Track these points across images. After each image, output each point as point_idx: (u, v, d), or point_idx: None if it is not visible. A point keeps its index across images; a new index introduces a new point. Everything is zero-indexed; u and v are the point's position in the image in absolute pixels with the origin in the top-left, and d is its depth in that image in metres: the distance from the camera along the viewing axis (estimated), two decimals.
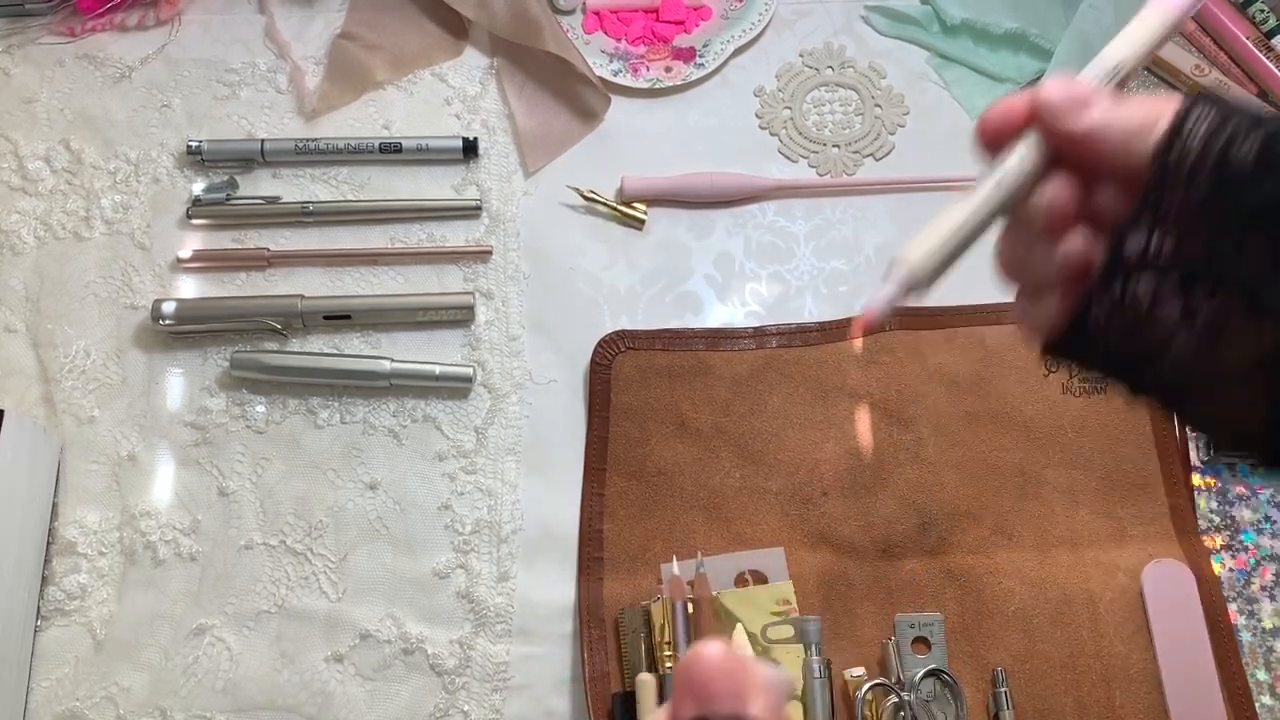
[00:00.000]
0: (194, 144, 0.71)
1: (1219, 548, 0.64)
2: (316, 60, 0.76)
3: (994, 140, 0.35)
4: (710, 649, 0.30)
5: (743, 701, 0.29)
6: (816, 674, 0.58)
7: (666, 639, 0.58)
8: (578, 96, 0.74)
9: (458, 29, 0.77)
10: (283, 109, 0.74)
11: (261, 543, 0.63)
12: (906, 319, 0.68)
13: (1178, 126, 0.31)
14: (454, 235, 0.71)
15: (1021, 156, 0.34)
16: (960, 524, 0.63)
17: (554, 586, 0.63)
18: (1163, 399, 0.34)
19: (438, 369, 0.66)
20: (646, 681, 0.57)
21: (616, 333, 0.68)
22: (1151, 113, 0.32)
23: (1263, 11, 0.78)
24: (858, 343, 0.68)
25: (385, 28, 0.76)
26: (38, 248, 0.69)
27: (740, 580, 0.61)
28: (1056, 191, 0.34)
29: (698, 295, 0.70)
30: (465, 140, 0.72)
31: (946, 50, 0.77)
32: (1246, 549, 0.64)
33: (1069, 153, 0.33)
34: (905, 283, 0.34)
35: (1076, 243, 0.34)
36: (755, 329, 0.68)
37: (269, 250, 0.69)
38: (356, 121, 0.74)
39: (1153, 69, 0.78)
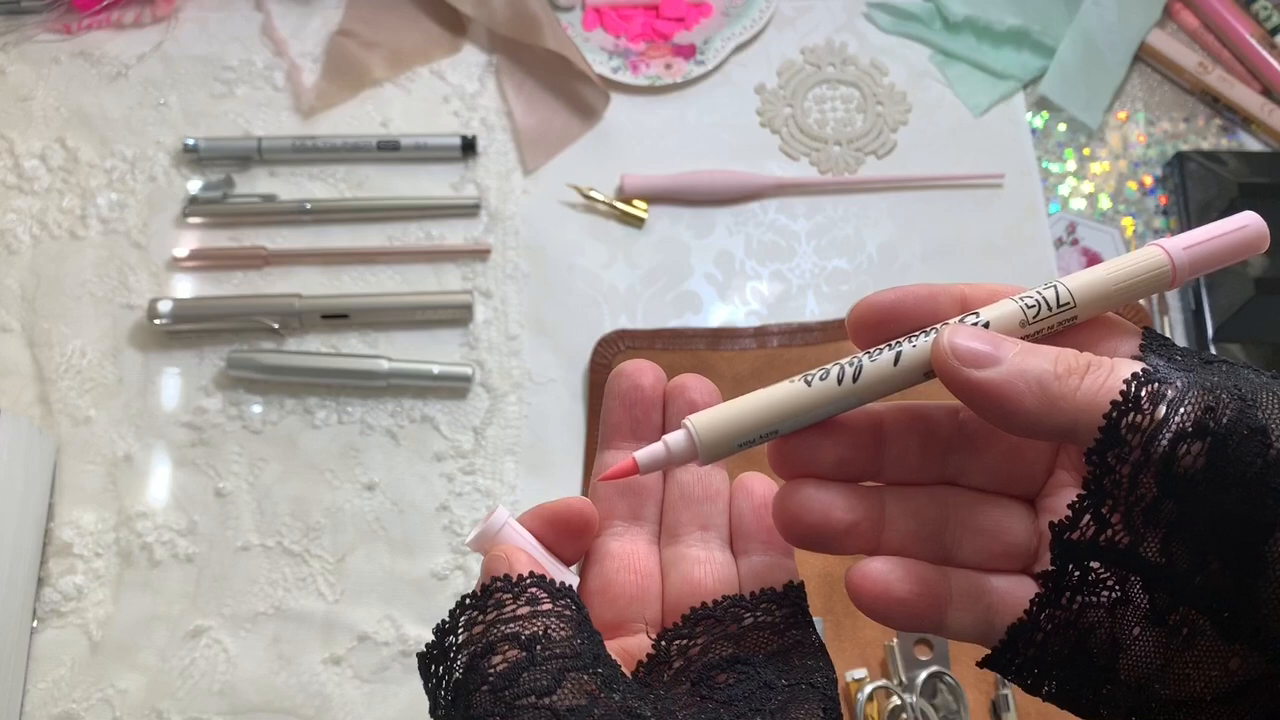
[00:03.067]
0: (190, 142, 0.71)
1: None
2: (314, 57, 0.75)
3: (873, 324, 0.30)
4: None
5: None
6: None
7: None
8: (577, 94, 0.74)
9: (456, 26, 0.76)
10: (280, 107, 0.74)
11: (258, 544, 0.63)
12: None
13: (1114, 424, 0.26)
14: (452, 234, 0.71)
15: (890, 376, 0.29)
16: None
17: None
18: None
19: (436, 369, 0.66)
20: None
21: (616, 332, 0.67)
22: (1072, 366, 0.27)
23: (1266, 9, 0.77)
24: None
25: (383, 25, 0.76)
26: (33, 246, 0.69)
27: None
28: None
29: (698, 294, 0.70)
30: (464, 138, 0.72)
31: (949, 47, 0.77)
32: None
33: (976, 407, 0.28)
34: (683, 454, 0.30)
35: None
36: (756, 328, 0.68)
37: (266, 249, 0.69)
38: (354, 119, 0.73)
39: (1155, 67, 0.77)
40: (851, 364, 0.29)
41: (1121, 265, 0.30)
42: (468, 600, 0.31)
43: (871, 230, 0.72)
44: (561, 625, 0.29)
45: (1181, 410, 0.25)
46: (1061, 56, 0.76)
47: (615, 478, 0.30)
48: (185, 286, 0.69)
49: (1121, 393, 0.26)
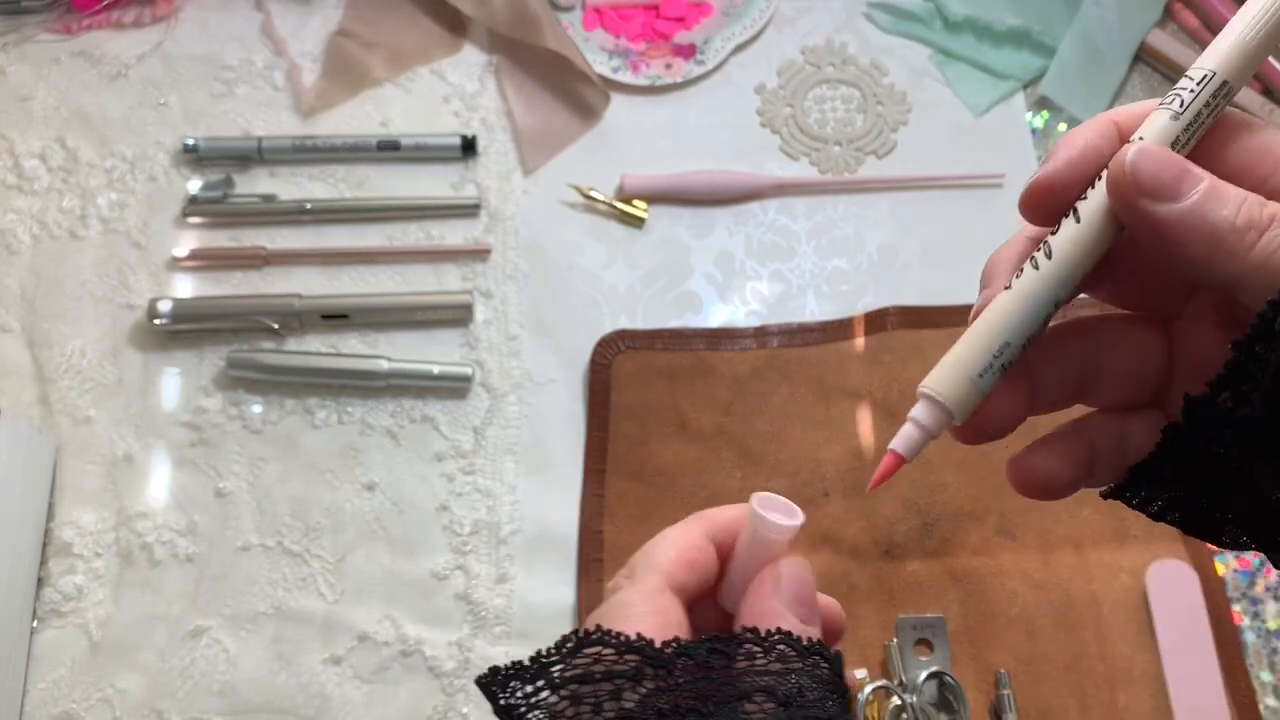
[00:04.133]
0: (190, 142, 0.71)
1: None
2: (314, 57, 0.75)
3: (1046, 202, 0.28)
4: (804, 561, 0.31)
5: (813, 620, 0.30)
6: None
7: None
8: (577, 94, 0.74)
9: (456, 26, 0.76)
10: (280, 106, 0.74)
11: (258, 544, 0.63)
12: (908, 318, 0.67)
13: (1268, 320, 0.25)
14: (452, 234, 0.71)
15: (1079, 235, 0.27)
16: (963, 525, 0.63)
17: (553, 588, 0.62)
18: (1251, 535, 0.29)
19: (436, 369, 0.66)
20: None
21: (616, 332, 0.67)
22: (1253, 219, 0.25)
23: None
24: (859, 342, 0.67)
25: (383, 25, 0.76)
26: (33, 246, 0.69)
27: None
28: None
29: (698, 294, 0.70)
30: (464, 138, 0.72)
31: (949, 47, 0.77)
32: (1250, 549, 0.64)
33: (1140, 237, 0.27)
34: (936, 419, 0.29)
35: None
36: (756, 328, 0.68)
37: (266, 249, 0.69)
38: (354, 119, 0.73)
39: (1156, 67, 0.77)
40: (1041, 247, 0.28)
41: (1249, 12, 0.27)
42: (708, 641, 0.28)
43: (871, 230, 0.72)
44: (812, 685, 0.28)
45: None
46: (1062, 56, 0.76)
47: (883, 479, 0.30)
48: (185, 286, 0.69)
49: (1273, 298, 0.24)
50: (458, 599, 0.62)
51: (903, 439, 0.29)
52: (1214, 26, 0.78)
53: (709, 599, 0.33)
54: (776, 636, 0.28)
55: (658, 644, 0.28)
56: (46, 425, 0.64)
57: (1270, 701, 0.60)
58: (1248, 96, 0.75)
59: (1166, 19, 0.79)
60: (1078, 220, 0.28)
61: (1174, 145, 0.27)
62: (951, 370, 0.28)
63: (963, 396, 0.28)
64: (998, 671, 0.59)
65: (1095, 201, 0.27)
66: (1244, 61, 0.27)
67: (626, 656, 0.27)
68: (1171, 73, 0.77)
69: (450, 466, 0.65)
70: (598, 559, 0.62)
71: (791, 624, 0.29)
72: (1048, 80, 0.76)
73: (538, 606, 0.62)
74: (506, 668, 0.28)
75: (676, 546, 0.31)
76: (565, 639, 0.28)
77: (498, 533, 0.63)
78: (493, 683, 0.28)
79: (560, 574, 0.62)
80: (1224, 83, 0.27)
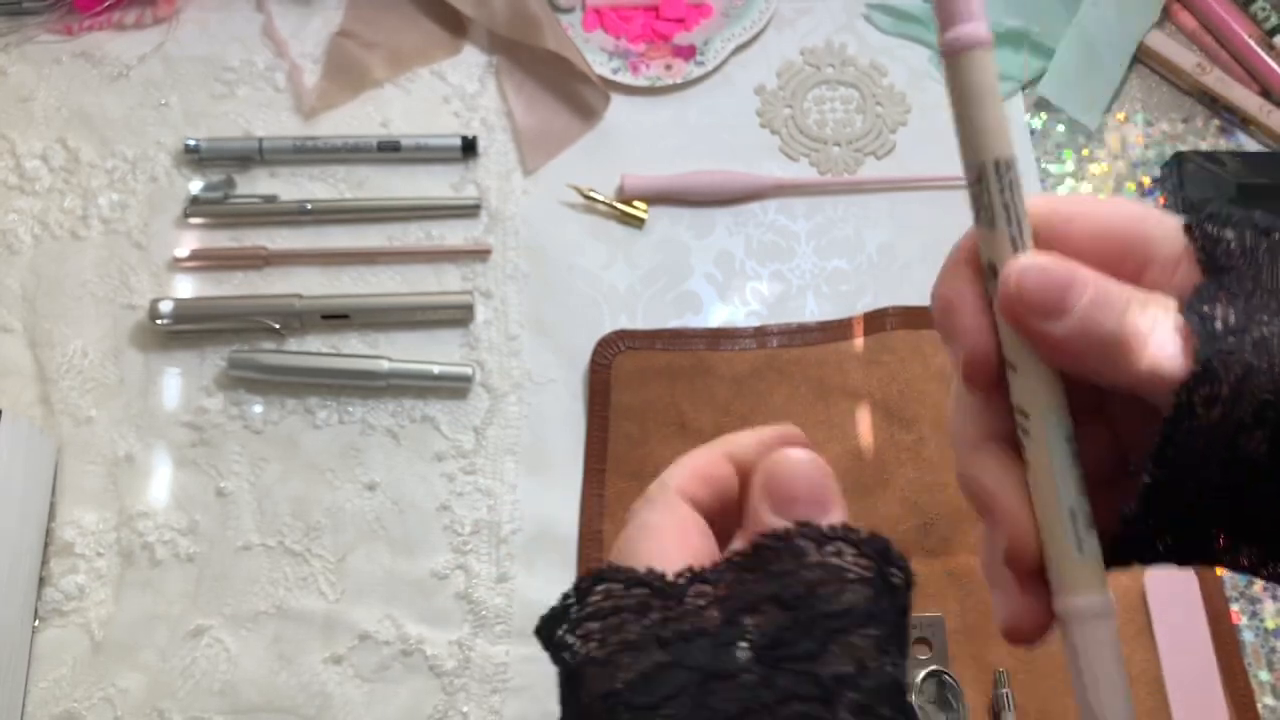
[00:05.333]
0: (191, 142, 0.71)
1: None
2: (314, 58, 0.75)
3: (982, 375, 0.28)
4: (796, 453, 0.28)
5: (825, 509, 0.27)
6: None
7: None
8: (577, 94, 0.74)
9: (456, 26, 0.77)
10: (280, 107, 0.74)
11: (259, 543, 0.63)
12: (908, 318, 0.67)
13: (1186, 400, 0.25)
14: (452, 234, 0.71)
15: (1028, 381, 0.27)
16: (962, 524, 0.63)
17: (553, 587, 0.62)
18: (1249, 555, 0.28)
19: (436, 369, 0.66)
20: None
21: (616, 332, 0.67)
22: (1137, 328, 0.25)
23: (1264, 9, 0.77)
24: (859, 342, 0.67)
25: (383, 25, 0.76)
26: (34, 247, 0.69)
27: None
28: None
29: (698, 295, 0.70)
30: (464, 138, 0.72)
31: None
32: None
33: (1042, 355, 0.27)
34: (1097, 612, 0.28)
35: None
36: (756, 328, 0.68)
37: (266, 249, 0.69)
38: (354, 120, 0.74)
39: (1154, 68, 0.78)
40: (1016, 418, 0.28)
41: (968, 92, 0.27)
42: (736, 558, 0.27)
43: (871, 230, 0.72)
44: (826, 578, 0.25)
45: (1247, 395, 0.24)
46: (1060, 58, 0.76)
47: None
48: (186, 287, 0.69)
49: (1174, 405, 0.25)
50: (458, 598, 0.62)
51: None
52: (1211, 28, 0.78)
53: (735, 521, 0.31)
54: (795, 530, 0.26)
55: (673, 570, 0.26)
56: (48, 425, 0.64)
57: (1268, 700, 0.60)
58: (1245, 97, 0.75)
59: (1164, 20, 0.79)
60: (1014, 369, 0.27)
61: (1013, 248, 0.27)
62: (1060, 568, 0.27)
63: (1088, 579, 0.27)
64: (996, 670, 0.59)
65: (1010, 341, 0.27)
66: (993, 137, 0.27)
67: (634, 590, 0.26)
68: (1169, 74, 0.77)
69: (451, 466, 0.65)
70: (598, 558, 0.62)
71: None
72: (1046, 81, 0.76)
73: (538, 605, 0.61)
74: (546, 614, 0.28)
75: (692, 464, 0.30)
76: (580, 580, 0.28)
77: (498, 532, 0.63)
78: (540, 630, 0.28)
79: (560, 573, 0.62)
80: (995, 162, 0.27)
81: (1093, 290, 0.26)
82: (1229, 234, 0.26)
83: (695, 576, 0.26)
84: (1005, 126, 0.27)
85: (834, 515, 0.27)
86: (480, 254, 0.70)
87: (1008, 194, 0.27)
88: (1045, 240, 0.27)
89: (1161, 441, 0.25)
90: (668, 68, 0.76)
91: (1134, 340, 0.25)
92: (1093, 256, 0.27)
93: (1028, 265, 0.26)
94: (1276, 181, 0.72)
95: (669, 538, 0.28)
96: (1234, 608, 0.62)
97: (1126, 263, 0.27)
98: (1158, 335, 0.25)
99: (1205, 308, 0.25)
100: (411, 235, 0.71)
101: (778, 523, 0.27)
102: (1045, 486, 0.27)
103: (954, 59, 0.27)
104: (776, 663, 0.24)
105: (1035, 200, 0.28)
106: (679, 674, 0.24)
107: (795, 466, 0.28)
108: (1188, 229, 0.27)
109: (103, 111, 0.73)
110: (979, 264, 0.28)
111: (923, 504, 0.63)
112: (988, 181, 0.27)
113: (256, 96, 0.74)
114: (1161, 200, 0.74)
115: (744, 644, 0.24)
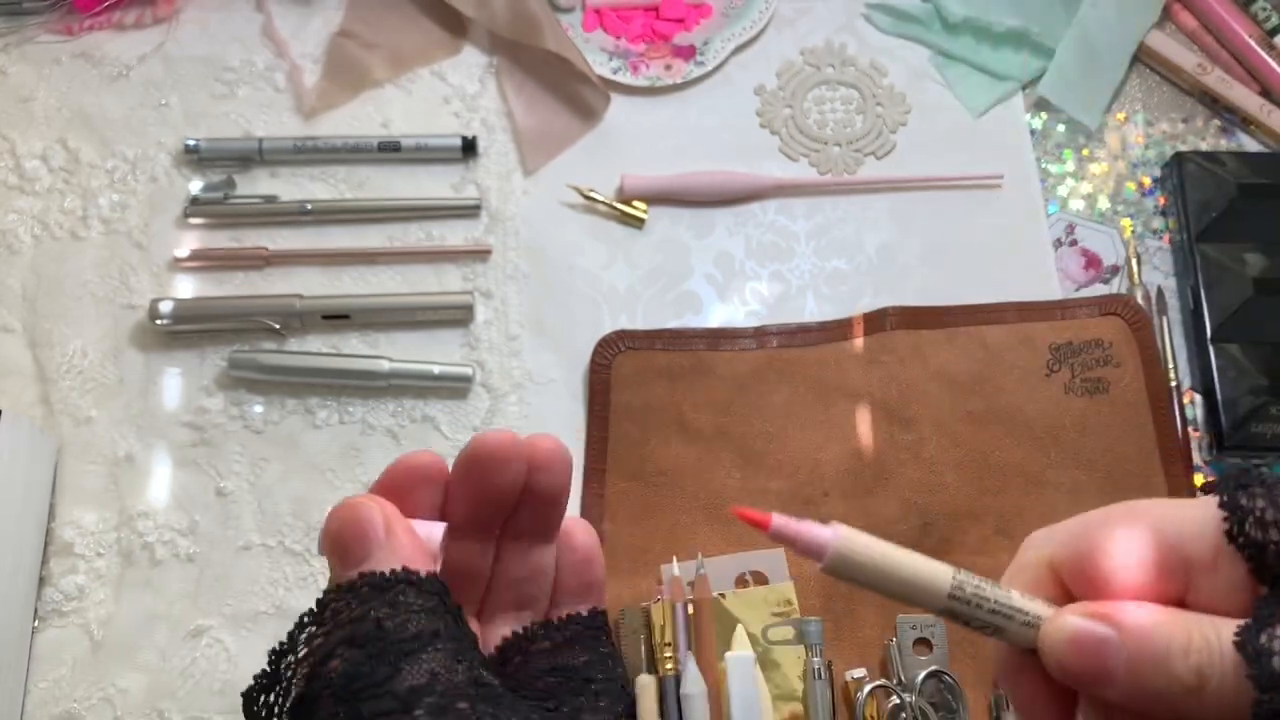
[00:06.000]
0: (191, 143, 0.71)
1: None
2: (314, 58, 0.75)
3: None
4: (337, 509, 0.30)
5: (368, 551, 0.30)
6: (818, 675, 0.57)
7: (667, 640, 0.58)
8: (577, 95, 0.74)
9: (456, 27, 0.77)
10: (281, 107, 0.74)
11: (260, 543, 0.63)
12: (907, 318, 0.67)
13: None
14: (453, 234, 0.71)
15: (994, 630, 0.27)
16: (962, 524, 0.63)
17: None
18: None
19: (436, 369, 0.66)
20: (646, 684, 0.56)
21: (616, 332, 0.67)
22: (1201, 668, 0.24)
23: (1265, 9, 0.77)
24: (859, 342, 0.67)
25: (384, 25, 0.76)
26: (34, 247, 0.69)
27: (741, 581, 0.61)
28: None
29: (698, 295, 0.70)
30: (464, 139, 0.72)
31: (948, 48, 0.77)
32: None
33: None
34: (822, 554, 0.27)
35: None
36: (756, 329, 0.68)
37: (267, 249, 0.69)
38: (355, 120, 0.74)
39: (1154, 67, 0.78)
40: (993, 611, 0.27)
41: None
42: (305, 618, 0.30)
43: (871, 231, 0.72)
44: (393, 613, 0.29)
45: None
46: (1060, 57, 0.76)
47: (748, 518, 0.27)
48: (186, 287, 0.69)
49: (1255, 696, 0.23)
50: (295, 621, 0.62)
51: (785, 521, 0.27)
52: (1212, 27, 0.78)
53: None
54: (359, 580, 0.29)
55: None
56: (48, 425, 0.64)
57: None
58: (1246, 97, 0.75)
59: (1165, 20, 0.79)
60: (995, 637, 0.27)
61: (1032, 626, 0.26)
62: (863, 553, 0.27)
63: (843, 568, 0.27)
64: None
65: (1020, 636, 0.27)
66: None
67: (302, 619, 0.30)
68: (1169, 74, 0.77)
69: None
70: None
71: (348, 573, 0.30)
72: (1046, 81, 0.76)
73: None
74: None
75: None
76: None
77: None
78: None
79: None
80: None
81: (1130, 646, 0.25)
82: (1274, 534, 0.25)
83: (282, 651, 0.31)
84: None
85: (384, 552, 0.30)
86: (480, 254, 0.70)
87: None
88: (1080, 581, 0.27)
89: None
90: (668, 68, 0.76)
91: (1189, 697, 0.24)
92: (1131, 586, 0.26)
93: (1054, 642, 0.26)
94: (1276, 181, 0.72)
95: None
96: None
97: (1167, 577, 0.26)
98: (1214, 683, 0.24)
99: (1263, 639, 0.24)
100: (412, 235, 0.71)
101: (346, 576, 0.30)
102: None
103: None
104: (354, 695, 0.27)
105: (1057, 546, 0.28)
106: None
107: (333, 522, 0.30)
108: (1229, 534, 0.25)
109: (103, 112, 0.73)
110: (1021, 659, 0.27)
111: (923, 504, 0.63)
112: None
113: (256, 96, 0.74)
114: (1162, 201, 0.74)
115: (328, 690, 0.28)
